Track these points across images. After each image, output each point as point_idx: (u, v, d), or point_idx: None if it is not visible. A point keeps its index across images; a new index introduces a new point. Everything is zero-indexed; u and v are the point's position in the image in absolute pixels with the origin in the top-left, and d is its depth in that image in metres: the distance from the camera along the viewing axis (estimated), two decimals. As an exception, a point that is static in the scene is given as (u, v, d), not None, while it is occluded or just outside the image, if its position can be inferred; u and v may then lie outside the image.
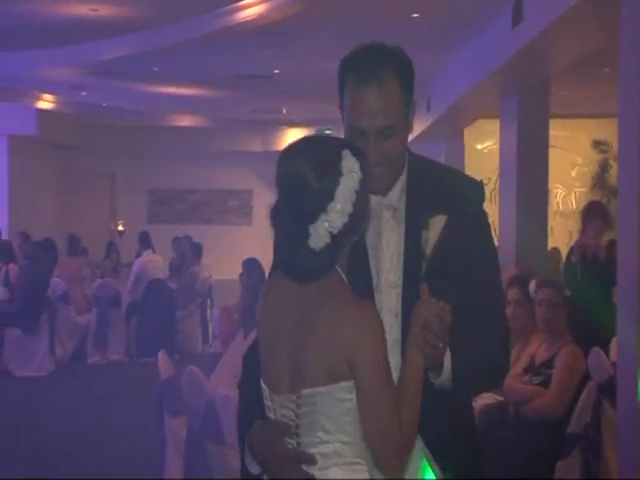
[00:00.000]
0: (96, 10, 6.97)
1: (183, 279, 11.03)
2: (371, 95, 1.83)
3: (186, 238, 11.90)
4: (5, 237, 10.78)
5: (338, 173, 1.68)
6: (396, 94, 1.84)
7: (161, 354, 5.04)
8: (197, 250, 11.55)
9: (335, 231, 1.69)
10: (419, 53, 8.53)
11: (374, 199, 1.87)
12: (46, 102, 11.92)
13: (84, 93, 11.35)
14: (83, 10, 7.02)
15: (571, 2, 4.84)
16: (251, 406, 1.87)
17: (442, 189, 1.94)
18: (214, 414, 4.36)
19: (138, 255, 10.67)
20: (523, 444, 4.23)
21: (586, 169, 11.84)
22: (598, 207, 6.40)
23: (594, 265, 5.84)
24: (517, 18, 5.99)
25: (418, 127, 11.81)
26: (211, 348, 9.47)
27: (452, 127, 11.20)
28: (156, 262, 10.54)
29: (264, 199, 16.16)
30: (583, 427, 4.36)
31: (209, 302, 11.16)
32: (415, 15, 6.61)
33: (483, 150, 12.59)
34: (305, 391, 1.73)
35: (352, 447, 1.72)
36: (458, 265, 1.87)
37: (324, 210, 1.68)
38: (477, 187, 2.02)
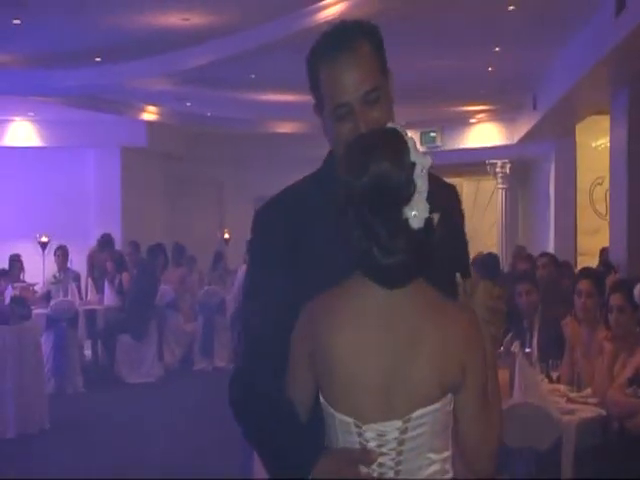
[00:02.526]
0: (187, 19, 7.07)
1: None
2: (346, 64, 1.73)
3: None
4: (117, 247, 11.14)
5: (408, 152, 1.60)
6: (371, 59, 1.75)
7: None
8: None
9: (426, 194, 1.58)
10: (519, 48, 8.33)
11: None
12: (151, 114, 12.26)
13: (189, 103, 11.59)
14: (175, 20, 7.15)
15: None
16: (296, 441, 1.65)
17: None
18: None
19: (245, 262, 10.77)
20: (629, 463, 3.96)
21: None
22: None
23: None
24: (619, 7, 5.67)
25: (524, 126, 11.42)
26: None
27: (562, 124, 10.76)
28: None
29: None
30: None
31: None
32: (511, 8, 6.37)
33: (597, 148, 12.05)
34: (417, 412, 1.57)
35: (450, 460, 1.62)
36: (447, 262, 1.75)
37: (413, 192, 1.57)
38: (454, 187, 1.96)
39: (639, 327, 4.43)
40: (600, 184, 11.74)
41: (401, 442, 1.58)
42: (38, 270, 10.82)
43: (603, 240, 9.50)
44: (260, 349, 1.77)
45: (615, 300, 4.39)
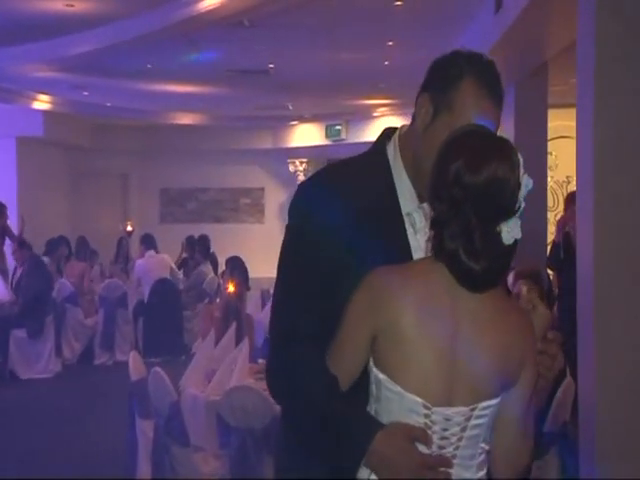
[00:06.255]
0: (72, 5, 6.97)
1: (191, 278, 11.01)
2: (493, 111, 1.81)
3: (202, 237, 11.81)
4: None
5: (519, 166, 1.65)
6: (500, 114, 1.86)
7: (132, 355, 5.01)
8: (205, 249, 11.49)
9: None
10: (412, 43, 8.45)
11: None
12: (46, 103, 11.93)
13: (86, 93, 11.35)
14: (59, 6, 7.02)
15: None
16: (356, 416, 1.66)
17: None
18: (178, 416, 4.33)
19: (141, 256, 10.66)
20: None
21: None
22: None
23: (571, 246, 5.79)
24: (498, 4, 5.86)
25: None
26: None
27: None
28: (161, 262, 10.49)
29: (276, 197, 16.15)
30: (560, 425, 4.25)
31: (217, 301, 11.10)
32: (398, 3, 6.48)
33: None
34: (483, 403, 1.64)
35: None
36: None
37: (517, 210, 1.63)
38: None
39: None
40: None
41: (463, 429, 1.63)
42: None
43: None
44: (300, 331, 1.75)
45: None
